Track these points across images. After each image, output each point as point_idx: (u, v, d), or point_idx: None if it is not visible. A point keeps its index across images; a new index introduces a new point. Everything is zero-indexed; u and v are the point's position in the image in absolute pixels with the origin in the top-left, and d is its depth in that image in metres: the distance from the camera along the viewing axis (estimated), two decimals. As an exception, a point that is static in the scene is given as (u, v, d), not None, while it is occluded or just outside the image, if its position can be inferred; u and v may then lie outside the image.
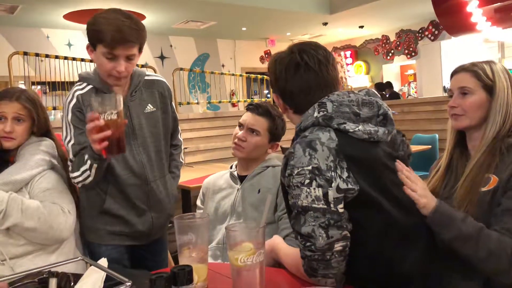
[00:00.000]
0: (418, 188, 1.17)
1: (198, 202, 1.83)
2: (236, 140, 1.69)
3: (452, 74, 1.42)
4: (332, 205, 1.02)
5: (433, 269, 1.13)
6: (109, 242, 1.60)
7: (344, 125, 1.09)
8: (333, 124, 1.09)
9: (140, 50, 1.55)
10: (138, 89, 1.62)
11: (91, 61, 4.90)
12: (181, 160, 1.85)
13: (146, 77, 1.66)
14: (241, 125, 1.71)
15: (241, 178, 1.73)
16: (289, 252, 1.25)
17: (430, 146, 4.58)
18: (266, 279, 1.02)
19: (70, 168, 1.50)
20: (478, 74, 1.33)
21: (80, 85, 1.58)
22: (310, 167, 1.03)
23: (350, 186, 1.04)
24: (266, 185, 1.65)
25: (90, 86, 1.57)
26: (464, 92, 1.35)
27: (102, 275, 0.98)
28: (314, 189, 1.02)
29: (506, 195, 1.21)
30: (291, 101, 1.21)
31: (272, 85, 1.25)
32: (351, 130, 1.09)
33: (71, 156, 1.49)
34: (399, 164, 1.18)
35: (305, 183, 1.03)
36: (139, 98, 1.62)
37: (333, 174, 1.03)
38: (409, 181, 1.16)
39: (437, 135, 4.80)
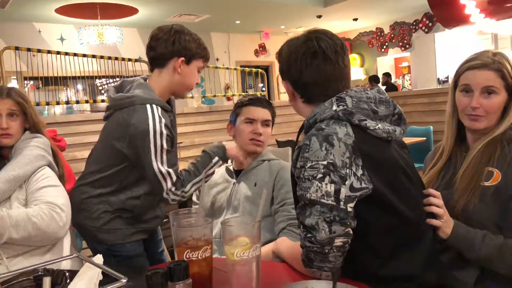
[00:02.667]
0: (445, 215, 1.19)
1: (194, 198, 1.83)
2: (255, 137, 1.70)
3: (471, 68, 1.31)
4: (342, 203, 1.01)
5: (433, 265, 1.14)
6: (132, 239, 1.60)
7: (365, 121, 1.07)
8: (354, 120, 1.07)
9: None
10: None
11: (84, 55, 4.87)
12: None
13: None
14: (252, 121, 1.71)
15: (237, 173, 1.74)
16: (289, 245, 1.26)
17: (424, 138, 4.60)
18: (262, 273, 1.02)
19: (174, 189, 1.51)
20: (504, 74, 1.26)
21: (155, 109, 1.50)
22: (325, 162, 1.01)
23: (364, 185, 1.02)
24: (262, 179, 1.66)
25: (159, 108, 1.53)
26: (489, 91, 1.27)
27: (98, 271, 0.97)
28: (326, 184, 1.01)
29: None
30: (304, 91, 1.17)
31: (283, 72, 1.21)
32: (371, 128, 1.08)
33: (174, 179, 1.50)
34: (430, 190, 1.21)
35: (317, 177, 1.02)
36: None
37: (348, 171, 1.02)
38: (437, 209, 1.18)
39: (431, 127, 4.82)
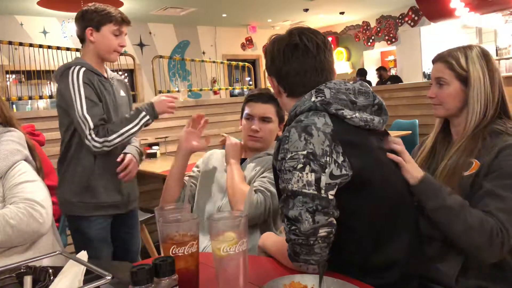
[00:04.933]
0: (407, 156, 1.23)
1: (192, 172, 1.82)
2: (251, 133, 1.69)
3: (432, 62, 1.43)
4: (323, 191, 1.02)
5: (416, 254, 1.15)
6: (97, 213, 1.93)
7: (342, 111, 1.11)
8: (331, 109, 1.10)
9: None
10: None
11: (67, 49, 4.80)
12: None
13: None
14: (250, 117, 1.71)
15: (242, 161, 1.73)
16: (275, 239, 1.27)
17: (410, 132, 4.63)
18: (249, 268, 1.01)
19: (95, 136, 1.77)
20: (452, 65, 1.34)
21: (76, 67, 1.86)
22: (305, 152, 1.03)
23: (344, 172, 1.04)
24: (259, 170, 1.66)
25: (84, 68, 1.87)
26: (440, 83, 1.37)
27: (82, 268, 0.96)
28: (307, 173, 1.02)
29: (487, 178, 1.23)
30: (286, 83, 1.21)
31: (268, 67, 1.25)
32: (348, 116, 1.11)
33: (91, 125, 1.76)
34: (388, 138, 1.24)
35: (298, 167, 1.03)
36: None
37: (328, 159, 1.03)
38: (399, 147, 1.23)
39: (417, 121, 4.86)
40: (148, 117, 1.85)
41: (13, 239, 1.33)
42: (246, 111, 1.73)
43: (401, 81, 7.90)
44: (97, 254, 1.94)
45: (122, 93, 2.04)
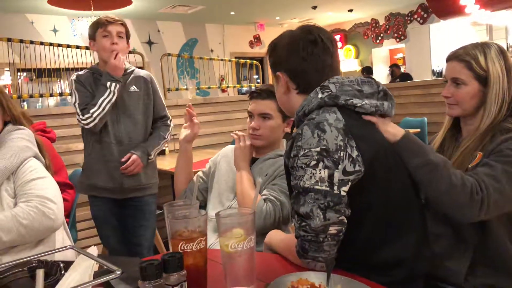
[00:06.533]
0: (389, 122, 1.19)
1: (200, 174, 1.83)
2: (250, 131, 1.67)
3: (446, 60, 1.39)
4: (335, 187, 1.02)
5: (423, 252, 1.15)
6: (93, 193, 2.23)
7: (351, 100, 1.11)
8: (340, 101, 1.10)
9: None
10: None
11: (77, 47, 4.83)
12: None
13: None
14: (251, 115, 1.69)
15: (253, 160, 1.71)
16: (282, 237, 1.27)
17: (419, 130, 4.60)
18: (257, 264, 1.02)
19: (82, 116, 2.10)
20: (471, 65, 1.30)
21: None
22: (318, 149, 1.03)
23: (357, 167, 1.04)
24: (272, 172, 1.63)
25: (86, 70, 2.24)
26: (457, 82, 1.33)
27: (92, 263, 0.97)
28: (320, 170, 1.02)
29: (485, 160, 1.23)
30: (302, 79, 1.19)
31: (279, 63, 1.22)
32: (358, 104, 1.11)
33: (78, 111, 2.12)
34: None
35: (311, 164, 1.03)
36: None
37: (341, 154, 1.03)
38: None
39: (425, 119, 4.82)
40: (109, 83, 2.11)
41: (26, 238, 1.35)
42: (248, 109, 1.71)
43: (411, 79, 7.84)
44: (100, 232, 2.30)
45: (134, 88, 2.24)
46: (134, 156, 2.17)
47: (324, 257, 1.05)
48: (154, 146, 2.26)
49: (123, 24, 2.21)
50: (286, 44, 1.20)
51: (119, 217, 2.28)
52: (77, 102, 2.15)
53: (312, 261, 1.07)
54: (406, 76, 8.31)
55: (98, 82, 2.16)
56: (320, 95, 1.12)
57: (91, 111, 2.09)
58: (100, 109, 2.10)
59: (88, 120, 2.10)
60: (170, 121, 2.39)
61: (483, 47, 1.31)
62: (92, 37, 2.20)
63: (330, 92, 1.12)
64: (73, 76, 2.21)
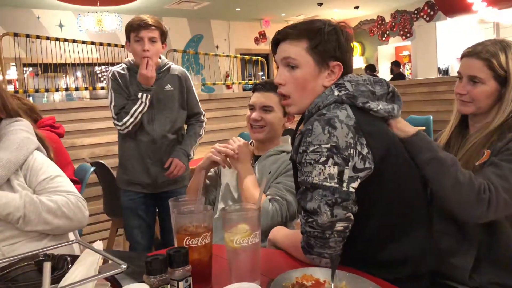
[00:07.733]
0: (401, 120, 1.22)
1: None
2: (251, 122, 1.65)
3: (463, 56, 1.35)
4: (344, 184, 1.02)
5: (429, 250, 1.15)
6: (127, 188, 2.31)
7: (368, 104, 1.11)
8: (358, 103, 1.10)
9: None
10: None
11: (83, 42, 4.84)
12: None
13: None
14: (252, 107, 1.67)
15: (255, 158, 1.70)
16: (287, 233, 1.26)
17: (424, 128, 4.59)
18: (261, 260, 1.02)
19: (117, 121, 2.18)
20: (492, 64, 1.27)
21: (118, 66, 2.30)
22: (328, 145, 1.02)
23: (367, 164, 1.03)
24: (275, 169, 1.62)
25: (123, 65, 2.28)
26: (475, 80, 1.30)
27: (97, 257, 0.98)
28: (330, 167, 1.02)
29: (493, 158, 1.22)
30: (345, 72, 1.17)
31: (329, 50, 1.14)
32: (374, 109, 1.12)
33: (113, 114, 2.20)
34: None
35: (320, 160, 1.02)
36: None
37: (351, 151, 1.02)
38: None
39: (431, 117, 4.81)
40: (140, 93, 2.14)
41: (60, 226, 1.36)
42: (250, 102, 1.69)
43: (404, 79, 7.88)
44: (126, 221, 2.37)
45: (169, 87, 2.28)
46: (175, 160, 2.26)
47: (330, 253, 1.05)
48: (192, 145, 2.36)
49: (157, 27, 2.18)
50: (334, 32, 1.15)
51: (148, 211, 2.36)
52: (113, 104, 2.21)
53: (317, 257, 1.07)
54: (399, 76, 8.29)
55: (134, 80, 2.19)
56: (336, 93, 1.11)
57: (124, 120, 2.16)
58: (132, 118, 2.16)
59: (123, 127, 2.18)
60: (204, 116, 2.45)
61: (503, 45, 1.28)
62: (127, 37, 2.21)
63: (347, 91, 1.11)
64: (109, 73, 2.24)
